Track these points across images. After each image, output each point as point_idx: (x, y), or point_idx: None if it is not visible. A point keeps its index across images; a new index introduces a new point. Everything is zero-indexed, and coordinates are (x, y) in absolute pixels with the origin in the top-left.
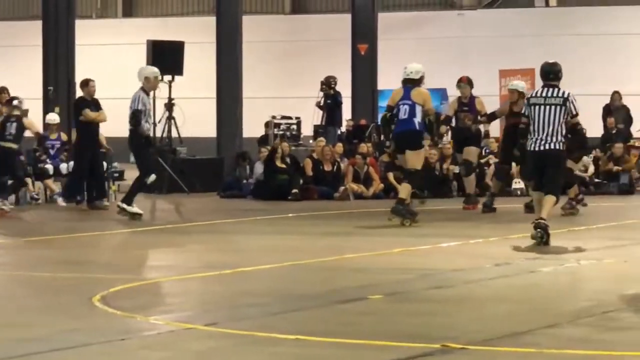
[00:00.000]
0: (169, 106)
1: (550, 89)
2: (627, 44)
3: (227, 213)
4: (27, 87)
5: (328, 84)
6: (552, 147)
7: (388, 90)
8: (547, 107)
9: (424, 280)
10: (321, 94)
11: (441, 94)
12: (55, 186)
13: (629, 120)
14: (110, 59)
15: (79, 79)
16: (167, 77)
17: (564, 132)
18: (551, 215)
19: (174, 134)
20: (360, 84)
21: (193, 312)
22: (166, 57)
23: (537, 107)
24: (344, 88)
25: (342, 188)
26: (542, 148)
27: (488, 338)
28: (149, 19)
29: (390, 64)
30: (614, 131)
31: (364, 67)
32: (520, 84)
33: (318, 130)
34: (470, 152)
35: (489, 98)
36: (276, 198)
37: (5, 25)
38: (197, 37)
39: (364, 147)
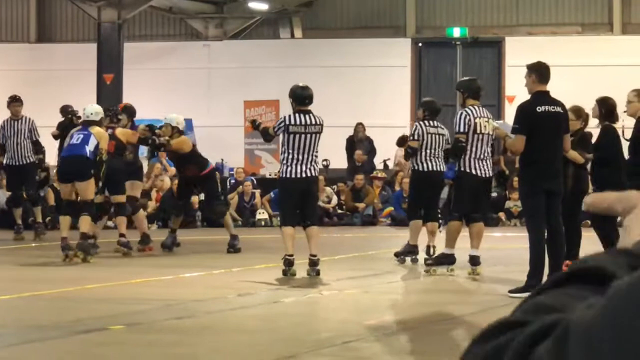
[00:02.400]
0: None
1: (308, 116)
2: (371, 76)
3: None
4: None
5: (73, 113)
6: (312, 174)
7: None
8: (308, 135)
9: (165, 310)
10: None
11: (187, 124)
12: None
13: (372, 151)
14: None
15: None
16: None
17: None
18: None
19: None
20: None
21: None
22: None
23: (297, 135)
24: None
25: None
26: (304, 175)
27: None
28: None
29: (136, 94)
30: (359, 163)
31: (110, 96)
32: (174, 118)
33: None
34: (135, 187)
35: (234, 129)
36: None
37: None
38: None
39: None
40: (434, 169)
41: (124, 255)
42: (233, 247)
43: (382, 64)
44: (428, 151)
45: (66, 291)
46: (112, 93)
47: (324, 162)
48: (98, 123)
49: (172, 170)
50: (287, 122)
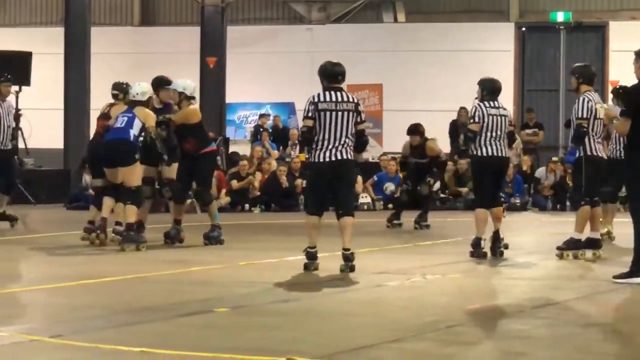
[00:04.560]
0: (16, 117)
1: (339, 93)
2: (474, 61)
3: (72, 224)
4: None
5: None
6: (344, 157)
7: (236, 104)
8: (339, 112)
9: (269, 293)
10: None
11: (289, 108)
12: None
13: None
14: None
15: None
16: (15, 88)
17: (354, 140)
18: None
19: (21, 144)
20: (209, 97)
21: (37, 324)
22: (13, 67)
23: (327, 112)
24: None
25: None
26: (333, 159)
27: (333, 352)
28: None
29: (239, 78)
30: (463, 148)
31: (213, 80)
32: (181, 83)
33: None
34: (172, 170)
35: None
36: None
37: None
38: (46, 48)
39: None
40: (496, 153)
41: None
42: (208, 239)
43: (484, 48)
44: (489, 134)
45: (171, 273)
46: (215, 77)
47: None
48: (145, 103)
49: (275, 153)
50: (316, 100)
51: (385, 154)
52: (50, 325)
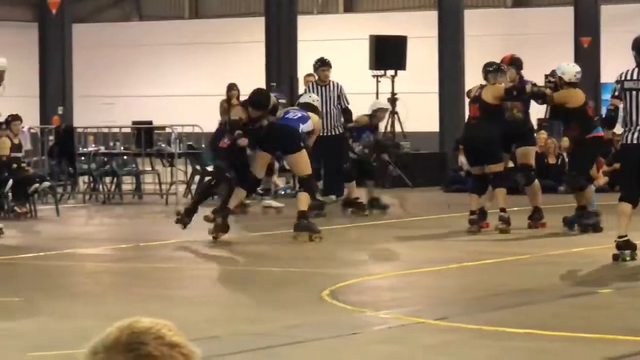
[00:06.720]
0: (392, 101)
1: None
2: None
3: (451, 207)
4: (250, 84)
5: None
6: None
7: (611, 84)
8: None
9: None
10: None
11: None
12: (280, 181)
13: None
14: (331, 54)
15: (300, 75)
16: (390, 72)
17: None
18: None
19: (397, 128)
20: (584, 77)
21: (422, 307)
22: (388, 51)
23: (633, 92)
24: None
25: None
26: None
27: None
28: (370, 13)
29: (613, 57)
30: None
31: (587, 60)
32: (563, 67)
33: (542, 124)
34: (528, 154)
35: None
36: None
37: (226, 22)
38: (419, 32)
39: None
40: None
41: (501, 232)
42: (582, 225)
43: None
44: None
45: (551, 255)
46: (589, 56)
47: None
48: None
49: None
50: (622, 78)
51: None
52: (435, 308)
